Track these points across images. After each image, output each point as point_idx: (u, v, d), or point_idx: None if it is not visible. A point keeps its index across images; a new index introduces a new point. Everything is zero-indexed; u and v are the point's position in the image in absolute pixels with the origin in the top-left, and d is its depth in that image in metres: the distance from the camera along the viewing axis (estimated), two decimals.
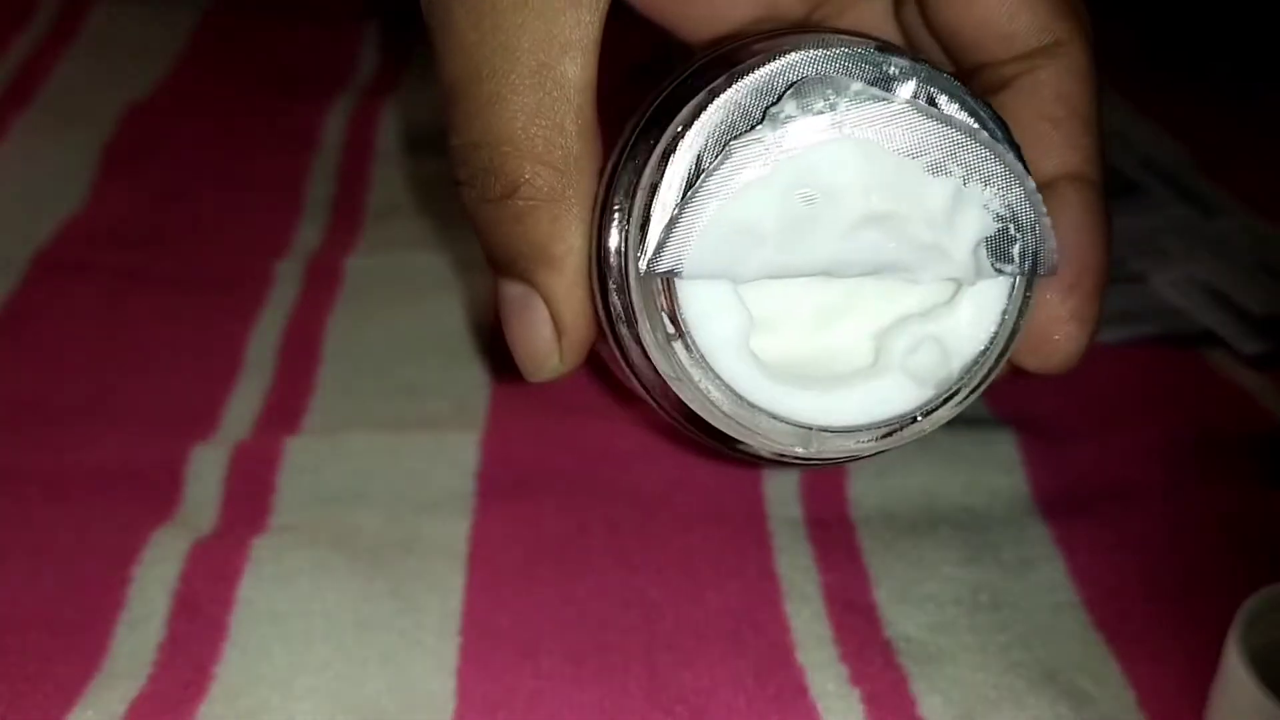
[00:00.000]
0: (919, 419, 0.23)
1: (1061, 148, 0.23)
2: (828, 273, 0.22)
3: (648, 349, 0.22)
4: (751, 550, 0.35)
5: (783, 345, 0.22)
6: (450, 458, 0.38)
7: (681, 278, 0.21)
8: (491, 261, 0.24)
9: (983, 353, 0.22)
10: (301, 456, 0.38)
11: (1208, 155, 0.58)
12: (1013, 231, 0.22)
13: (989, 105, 0.22)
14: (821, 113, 0.21)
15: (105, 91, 0.57)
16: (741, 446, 0.24)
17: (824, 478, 0.38)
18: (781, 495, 0.38)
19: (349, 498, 0.37)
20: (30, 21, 0.62)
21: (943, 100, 0.21)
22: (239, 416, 0.40)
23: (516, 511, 0.36)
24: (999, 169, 0.22)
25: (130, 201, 0.51)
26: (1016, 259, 0.22)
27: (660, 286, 0.21)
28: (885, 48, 0.22)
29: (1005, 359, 0.23)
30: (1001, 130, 0.22)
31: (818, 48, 0.21)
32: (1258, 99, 0.64)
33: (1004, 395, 0.43)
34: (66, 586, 0.33)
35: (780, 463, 0.24)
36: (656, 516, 0.36)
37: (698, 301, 0.21)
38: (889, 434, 0.23)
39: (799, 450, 0.22)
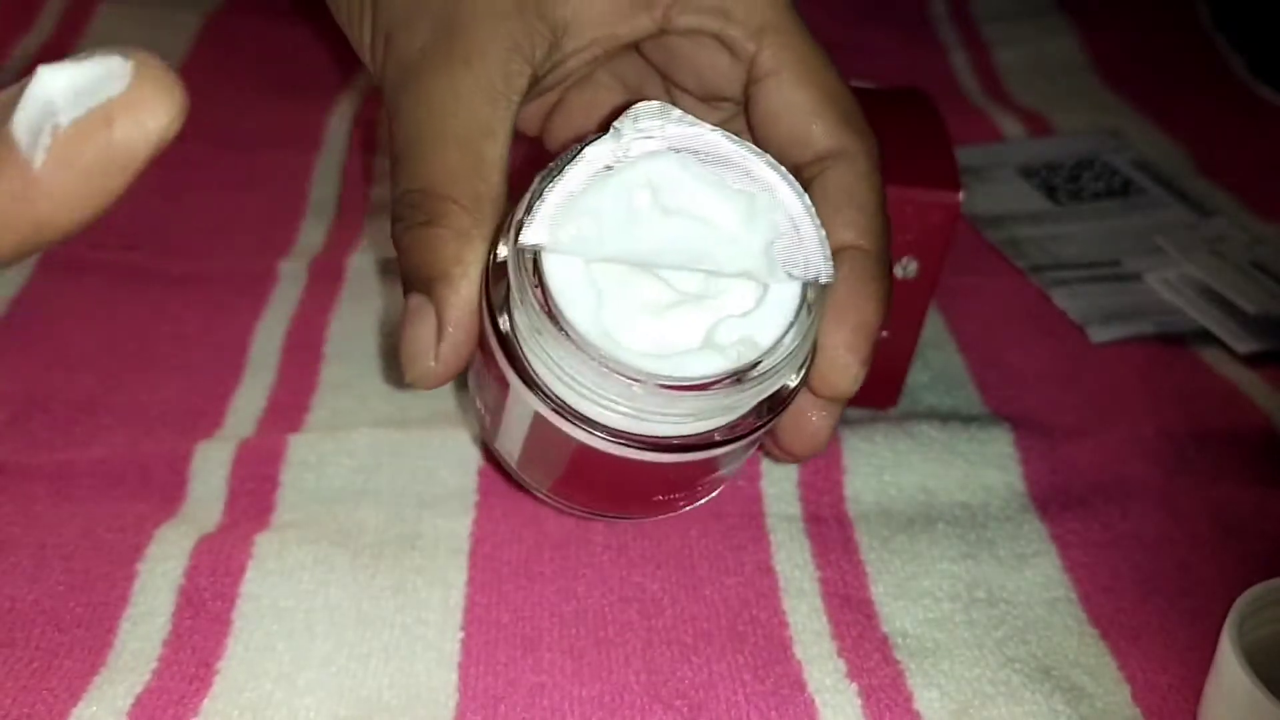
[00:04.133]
0: (743, 379, 0.26)
1: (840, 227, 0.29)
2: (654, 260, 0.26)
3: (518, 329, 0.26)
4: (750, 546, 0.36)
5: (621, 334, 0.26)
6: (452, 455, 0.38)
7: (545, 250, 0.26)
8: (405, 280, 0.29)
9: (775, 343, 0.26)
10: (305, 453, 0.38)
11: (1204, 155, 0.58)
12: (795, 239, 0.27)
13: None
14: (651, 133, 0.27)
15: None
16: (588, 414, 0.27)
17: (821, 475, 0.38)
18: (779, 492, 0.38)
19: (352, 494, 0.37)
20: (33, 24, 0.62)
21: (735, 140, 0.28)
22: (243, 414, 0.40)
23: (518, 508, 0.37)
24: (783, 187, 0.27)
25: (135, 201, 0.50)
26: (801, 265, 0.27)
27: (528, 263, 0.26)
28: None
29: (807, 356, 0.28)
30: (781, 164, 0.28)
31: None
32: (1255, 99, 0.64)
33: (1000, 393, 0.43)
34: (72, 582, 0.33)
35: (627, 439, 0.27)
36: None
37: (559, 276, 0.26)
38: (728, 384, 0.26)
39: (637, 389, 0.25)
